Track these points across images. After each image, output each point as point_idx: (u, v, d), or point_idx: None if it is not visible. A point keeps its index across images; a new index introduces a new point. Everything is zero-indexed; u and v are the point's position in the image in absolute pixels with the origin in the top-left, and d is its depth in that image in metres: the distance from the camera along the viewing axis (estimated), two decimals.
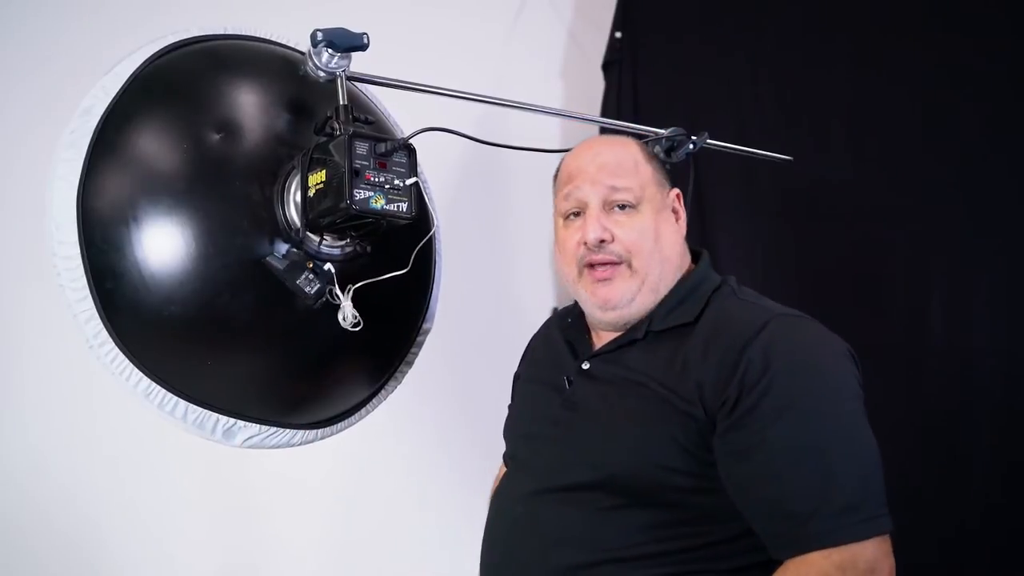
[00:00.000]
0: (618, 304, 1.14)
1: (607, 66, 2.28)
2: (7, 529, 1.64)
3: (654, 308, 1.15)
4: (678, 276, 1.18)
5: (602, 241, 1.14)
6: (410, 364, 1.30)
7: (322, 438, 1.22)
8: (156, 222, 1.02)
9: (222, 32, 1.17)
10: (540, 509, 1.11)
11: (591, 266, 1.16)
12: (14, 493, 1.65)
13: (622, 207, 1.15)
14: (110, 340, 1.02)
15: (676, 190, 1.21)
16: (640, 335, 1.14)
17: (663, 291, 1.16)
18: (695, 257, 1.23)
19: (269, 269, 1.05)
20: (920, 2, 1.96)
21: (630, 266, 1.14)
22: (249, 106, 1.11)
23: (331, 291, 1.08)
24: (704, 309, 1.13)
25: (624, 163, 1.17)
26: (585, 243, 1.15)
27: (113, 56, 1.10)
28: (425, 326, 1.30)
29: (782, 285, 1.99)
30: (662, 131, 1.33)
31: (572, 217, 1.18)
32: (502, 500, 1.20)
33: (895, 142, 1.97)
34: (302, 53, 1.16)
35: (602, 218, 1.15)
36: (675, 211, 1.20)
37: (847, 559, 0.97)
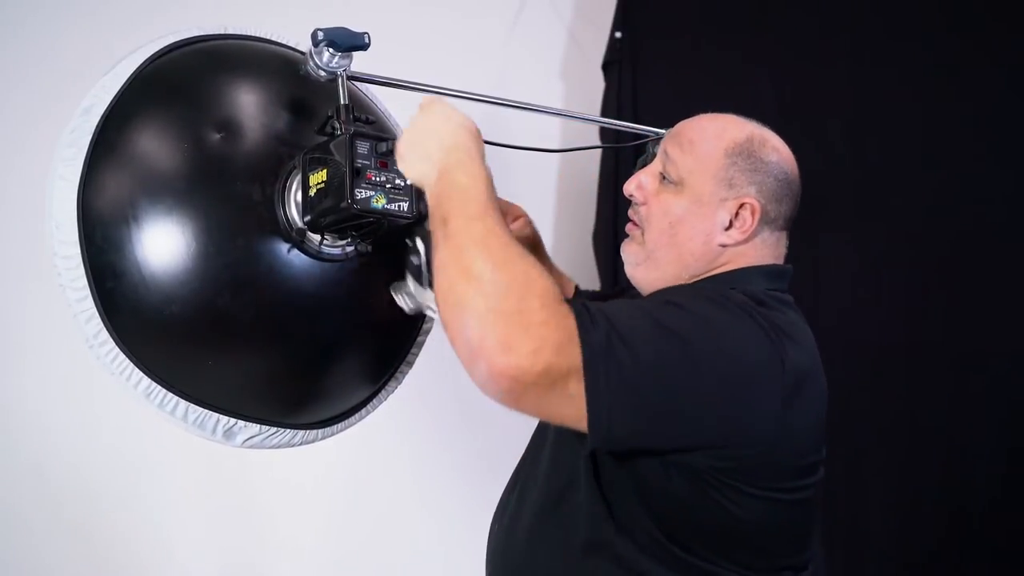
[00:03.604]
0: (627, 262, 1.16)
1: (607, 66, 2.28)
2: (8, 528, 1.64)
3: None
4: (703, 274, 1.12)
5: (632, 197, 1.14)
6: (410, 364, 1.30)
7: (323, 438, 1.21)
8: (156, 222, 1.01)
9: (222, 32, 1.17)
10: None
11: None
12: (15, 492, 1.65)
13: (664, 178, 1.13)
14: (110, 340, 1.02)
15: (750, 202, 1.08)
16: None
17: (678, 279, 1.12)
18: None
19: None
20: (920, 2, 1.97)
21: (643, 235, 1.14)
22: (249, 106, 1.10)
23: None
24: None
25: (698, 141, 1.11)
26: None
27: (113, 56, 1.10)
28: (425, 326, 1.30)
29: None
30: (662, 131, 1.33)
31: None
32: None
33: (895, 142, 1.97)
34: (302, 53, 1.16)
35: (643, 176, 1.14)
36: (731, 221, 1.09)
37: None
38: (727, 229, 1.09)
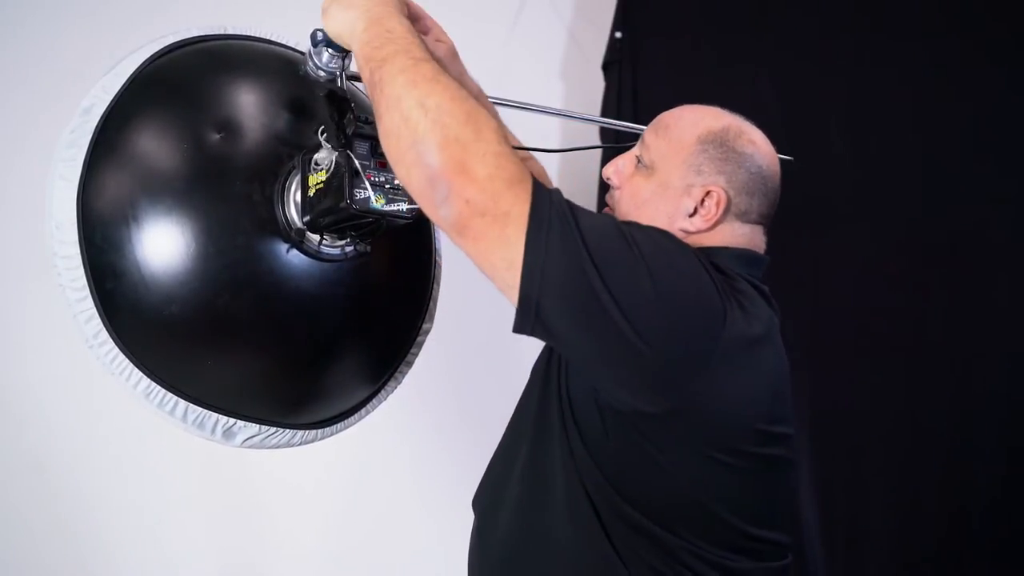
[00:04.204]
0: None
1: (607, 66, 2.28)
2: (8, 528, 1.64)
3: None
4: None
5: (609, 180, 1.15)
6: (410, 364, 1.30)
7: (322, 438, 1.21)
8: (156, 222, 1.01)
9: (222, 32, 1.17)
10: None
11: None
12: (15, 492, 1.65)
13: (640, 162, 1.12)
14: (110, 340, 1.02)
15: (716, 191, 1.06)
16: None
17: None
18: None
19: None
20: (920, 2, 1.97)
21: None
22: (249, 106, 1.10)
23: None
24: None
25: (673, 127, 1.11)
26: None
27: (113, 56, 1.10)
28: (425, 326, 1.30)
29: (782, 284, 1.99)
30: None
31: None
32: None
33: (895, 142, 1.98)
34: (302, 53, 1.16)
35: (620, 160, 1.14)
36: (696, 208, 1.07)
37: None
38: (691, 216, 1.08)
